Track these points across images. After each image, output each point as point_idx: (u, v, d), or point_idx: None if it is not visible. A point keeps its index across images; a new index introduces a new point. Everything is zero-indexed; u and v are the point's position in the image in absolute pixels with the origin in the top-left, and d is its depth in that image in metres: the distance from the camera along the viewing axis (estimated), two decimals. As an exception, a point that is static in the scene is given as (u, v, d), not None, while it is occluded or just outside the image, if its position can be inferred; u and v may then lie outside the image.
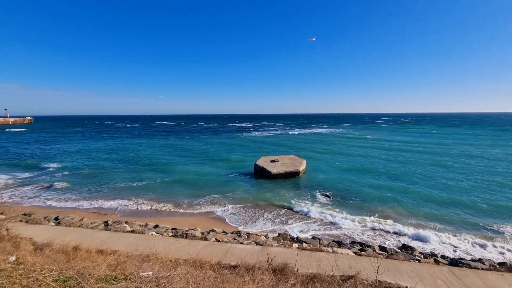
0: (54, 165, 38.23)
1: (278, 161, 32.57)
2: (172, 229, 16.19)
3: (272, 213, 20.80)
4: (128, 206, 22.52)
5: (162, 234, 14.03)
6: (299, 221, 19.29)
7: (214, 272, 8.94)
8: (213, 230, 16.16)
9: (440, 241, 16.00)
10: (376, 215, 19.98)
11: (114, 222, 17.09)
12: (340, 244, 14.11)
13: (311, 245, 12.86)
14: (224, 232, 16.14)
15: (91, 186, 27.75)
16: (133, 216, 20.46)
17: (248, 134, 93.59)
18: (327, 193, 24.91)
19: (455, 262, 11.48)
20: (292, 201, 23.16)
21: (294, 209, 21.38)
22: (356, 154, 44.45)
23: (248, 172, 33.06)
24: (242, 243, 12.67)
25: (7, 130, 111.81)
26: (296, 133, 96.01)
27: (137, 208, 22.08)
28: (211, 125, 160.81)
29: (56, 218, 17.44)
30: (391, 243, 15.94)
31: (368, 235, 17.11)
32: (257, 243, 12.62)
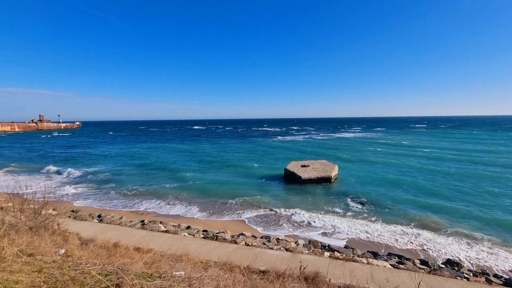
0: (93, 168, 41.46)
1: (309, 166, 31.93)
2: (203, 230, 16.60)
3: (302, 218, 20.34)
4: (161, 206, 23.56)
5: (193, 235, 14.42)
6: (330, 229, 18.62)
7: (244, 276, 8.93)
8: (242, 234, 16.25)
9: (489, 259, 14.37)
10: (415, 226, 18.58)
11: (149, 222, 17.99)
12: (375, 255, 13.32)
13: (344, 255, 12.30)
14: (253, 236, 16.14)
15: (129, 187, 29.56)
16: (166, 216, 21.36)
17: (277, 138, 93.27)
18: (361, 201, 23.78)
19: (511, 283, 10.20)
20: (322, 207, 22.49)
21: (324, 216, 20.71)
22: (392, 161, 41.80)
23: (278, 177, 32.84)
24: (271, 248, 12.54)
25: (57, 133, 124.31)
26: (326, 137, 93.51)
27: (170, 209, 23.00)
28: (240, 129, 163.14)
29: (99, 216, 18.84)
30: (433, 256, 14.66)
31: (406, 247, 15.92)
32: (287, 249, 12.40)
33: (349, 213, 21.17)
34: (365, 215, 20.77)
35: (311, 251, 12.67)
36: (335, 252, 12.88)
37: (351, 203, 23.38)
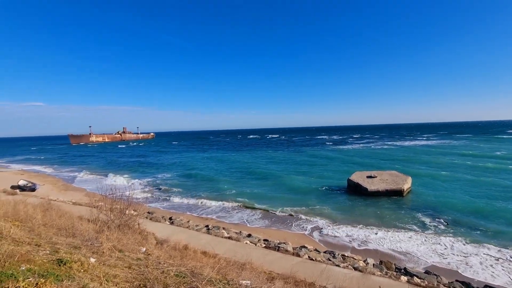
0: (162, 174, 45.96)
1: (376, 177, 29.30)
2: (264, 240, 16.57)
3: (368, 234, 18.57)
4: (223, 213, 24.50)
5: (255, 244, 14.48)
6: (403, 249, 16.46)
7: (311, 293, 8.45)
8: (304, 247, 15.63)
9: None
10: (522, 255, 15.00)
11: (213, 227, 18.86)
12: (467, 286, 11.16)
13: (426, 282, 10.63)
14: (316, 250, 15.37)
15: (192, 193, 31.79)
16: (228, 223, 22.08)
17: (334, 147, 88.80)
18: (442, 219, 20.55)
19: None
20: (393, 223, 20.20)
21: (396, 233, 18.49)
22: (481, 179, 34.43)
23: (339, 188, 31.01)
24: (338, 265, 11.67)
25: (136, 144, 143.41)
26: (390, 146, 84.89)
27: (231, 216, 23.72)
28: (295, 138, 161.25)
29: (170, 218, 20.63)
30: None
31: (507, 279, 12.92)
32: (355, 268, 11.36)
33: (428, 233, 18.45)
34: (449, 236, 17.76)
35: (383, 273, 11.35)
36: (414, 277, 11.24)
37: (430, 222, 20.38)
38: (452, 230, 18.67)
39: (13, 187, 32.39)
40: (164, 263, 7.21)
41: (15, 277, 2.98)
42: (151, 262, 6.66)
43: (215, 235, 15.64)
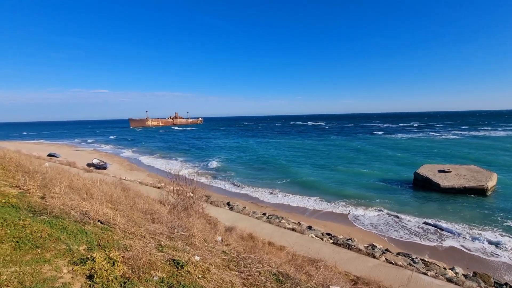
0: (214, 158, 47.23)
1: (450, 171, 25.71)
2: (327, 234, 15.64)
3: (443, 235, 16.30)
4: (277, 199, 24.03)
5: (322, 239, 13.65)
6: (494, 256, 13.99)
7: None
8: (374, 245, 14.31)
9: None
10: None
11: (271, 216, 18.51)
12: None
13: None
14: (386, 249, 13.93)
15: (246, 178, 32.02)
16: (283, 210, 21.51)
17: (392, 136, 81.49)
18: (545, 227, 17.04)
19: None
20: (476, 224, 17.48)
21: (483, 236, 15.88)
22: None
23: (404, 182, 28.13)
24: (425, 273, 10.20)
25: (190, 128, 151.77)
26: (458, 136, 74.53)
27: (286, 202, 23.21)
28: (347, 125, 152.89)
29: (228, 204, 20.87)
30: None
31: None
32: (448, 280, 9.79)
33: (527, 242, 15.44)
34: (558, 249, 14.61)
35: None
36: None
37: (527, 228, 17.09)
38: (561, 242, 15.31)
39: (88, 165, 36.54)
40: (248, 259, 6.77)
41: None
42: (245, 259, 6.22)
43: (277, 225, 15.20)
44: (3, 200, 3.65)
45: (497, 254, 14.48)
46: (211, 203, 19.49)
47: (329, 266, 10.31)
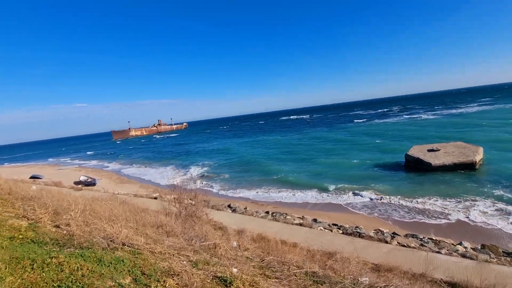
0: (204, 161, 46.42)
1: (439, 150, 26.52)
2: (333, 224, 15.67)
3: (444, 211, 16.79)
4: (273, 195, 23.94)
5: (331, 230, 13.62)
6: (494, 226, 14.54)
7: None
8: (380, 230, 14.48)
9: None
10: None
11: (275, 213, 18.34)
12: None
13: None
14: (394, 233, 14.13)
15: (240, 178, 31.67)
16: (284, 206, 21.43)
17: (376, 121, 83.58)
18: (534, 193, 17.90)
19: None
20: (472, 198, 18.11)
21: (480, 208, 16.49)
22: None
23: (395, 165, 28.80)
24: (438, 252, 10.36)
25: (172, 134, 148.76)
26: (439, 115, 77.54)
27: (282, 200, 23.14)
28: (331, 115, 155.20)
29: (230, 206, 20.50)
30: None
31: None
32: (462, 256, 9.98)
33: (521, 209, 16.16)
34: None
35: (497, 260, 9.83)
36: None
37: (518, 195, 17.89)
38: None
39: (76, 183, 34.94)
40: (274, 261, 6.54)
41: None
42: (270, 263, 5.98)
43: (284, 222, 15.06)
44: (20, 236, 3.20)
45: (495, 224, 15.06)
46: (212, 208, 19.05)
47: (347, 257, 10.27)
